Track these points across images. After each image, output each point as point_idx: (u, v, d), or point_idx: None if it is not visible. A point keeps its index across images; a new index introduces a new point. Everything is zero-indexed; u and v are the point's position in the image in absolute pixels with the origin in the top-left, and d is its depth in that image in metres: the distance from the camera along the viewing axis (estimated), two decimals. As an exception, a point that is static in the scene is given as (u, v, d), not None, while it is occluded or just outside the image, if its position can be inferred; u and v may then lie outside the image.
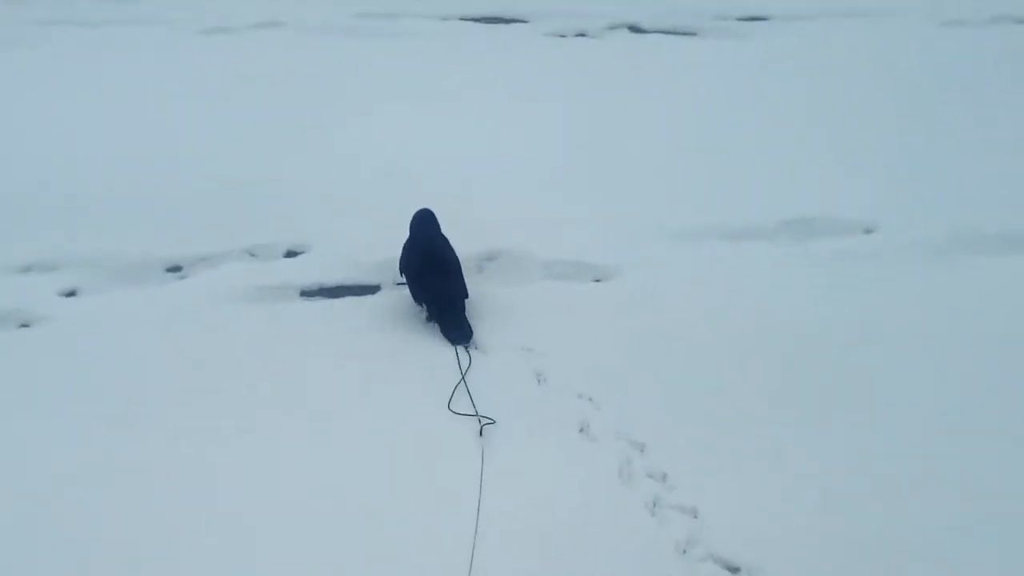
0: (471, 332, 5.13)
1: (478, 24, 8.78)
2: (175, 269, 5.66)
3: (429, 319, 5.22)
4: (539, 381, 4.86)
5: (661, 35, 8.52)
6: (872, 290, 5.46)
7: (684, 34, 8.53)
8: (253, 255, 5.75)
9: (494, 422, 4.59)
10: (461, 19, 8.85)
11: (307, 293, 5.48)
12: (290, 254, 5.77)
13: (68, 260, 5.69)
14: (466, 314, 5.21)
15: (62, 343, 5.13)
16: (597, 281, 5.54)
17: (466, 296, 5.26)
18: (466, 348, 5.08)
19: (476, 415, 4.62)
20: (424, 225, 5.35)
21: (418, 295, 5.26)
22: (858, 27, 8.42)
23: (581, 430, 4.58)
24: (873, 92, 7.41)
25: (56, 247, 5.75)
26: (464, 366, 4.94)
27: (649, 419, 4.62)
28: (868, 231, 5.94)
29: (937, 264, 5.66)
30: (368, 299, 5.42)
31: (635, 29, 8.60)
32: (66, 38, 8.20)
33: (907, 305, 5.36)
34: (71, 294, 5.48)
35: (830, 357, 5.00)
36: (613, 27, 8.63)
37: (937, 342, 5.12)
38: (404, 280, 5.32)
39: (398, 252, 5.40)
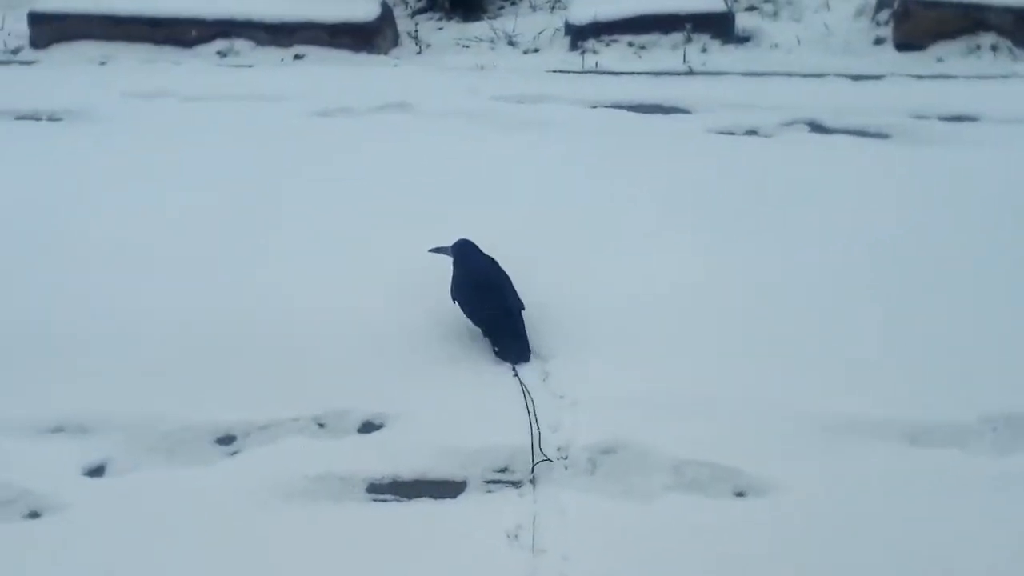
0: (528, 350, 5.03)
1: (631, 114, 7.66)
2: (226, 441, 4.67)
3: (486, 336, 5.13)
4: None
5: (847, 136, 7.24)
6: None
7: (875, 136, 7.23)
8: (322, 425, 4.73)
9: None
10: (614, 106, 7.74)
11: (376, 488, 4.39)
12: (366, 427, 4.73)
13: (101, 421, 4.75)
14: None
15: (72, 545, 4.11)
16: (739, 496, 4.32)
17: (521, 308, 5.11)
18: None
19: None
20: (466, 251, 5.27)
21: (475, 318, 5.10)
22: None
23: None
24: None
25: (89, 402, 4.84)
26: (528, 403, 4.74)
27: None
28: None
29: None
30: (447, 507, 4.30)
31: (816, 127, 7.35)
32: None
33: None
34: (96, 471, 4.52)
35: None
36: (790, 123, 7.41)
37: None
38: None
39: (500, 438, 4.57)
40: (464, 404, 4.80)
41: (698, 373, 4.96)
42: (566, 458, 4.50)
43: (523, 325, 5.14)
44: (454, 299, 5.18)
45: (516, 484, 4.38)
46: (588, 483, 4.38)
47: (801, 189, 6.57)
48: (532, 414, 4.71)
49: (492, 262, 5.25)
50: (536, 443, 4.54)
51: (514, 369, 5.02)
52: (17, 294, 5.65)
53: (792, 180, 6.69)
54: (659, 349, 5.12)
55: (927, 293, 5.53)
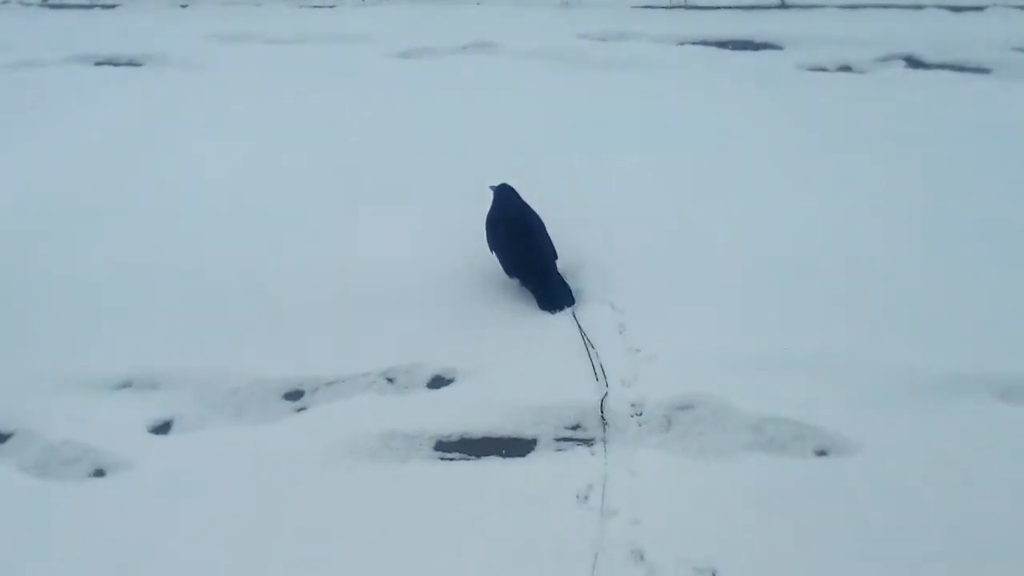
0: (571, 296, 4.95)
1: (720, 50, 7.37)
2: (294, 396, 4.56)
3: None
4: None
5: (945, 72, 6.88)
6: None
7: (974, 71, 6.87)
8: (391, 380, 4.61)
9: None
10: (701, 43, 7.46)
11: (444, 445, 4.27)
12: (436, 382, 4.60)
13: (171, 376, 4.68)
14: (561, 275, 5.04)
15: (136, 504, 4.07)
16: (822, 455, 4.12)
17: (554, 256, 5.06)
18: (572, 314, 4.84)
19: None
20: (499, 197, 5.21)
21: (509, 268, 5.05)
22: None
23: None
24: None
25: (160, 357, 4.77)
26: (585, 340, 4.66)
27: None
28: None
29: None
30: (516, 466, 4.16)
31: (913, 62, 7.00)
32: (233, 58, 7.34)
33: None
34: (163, 428, 4.45)
35: None
36: (886, 59, 7.06)
37: None
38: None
39: (572, 394, 4.40)
40: (537, 359, 4.65)
41: (779, 328, 4.75)
42: (640, 414, 4.33)
43: (554, 271, 5.04)
44: (491, 249, 5.11)
45: (588, 442, 4.23)
46: (662, 441, 4.22)
47: (895, 130, 6.24)
48: (596, 366, 4.56)
49: (526, 208, 5.17)
50: (601, 399, 4.39)
51: (575, 317, 4.86)
52: (88, 250, 5.60)
53: (886, 119, 6.36)
54: (739, 302, 4.93)
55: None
